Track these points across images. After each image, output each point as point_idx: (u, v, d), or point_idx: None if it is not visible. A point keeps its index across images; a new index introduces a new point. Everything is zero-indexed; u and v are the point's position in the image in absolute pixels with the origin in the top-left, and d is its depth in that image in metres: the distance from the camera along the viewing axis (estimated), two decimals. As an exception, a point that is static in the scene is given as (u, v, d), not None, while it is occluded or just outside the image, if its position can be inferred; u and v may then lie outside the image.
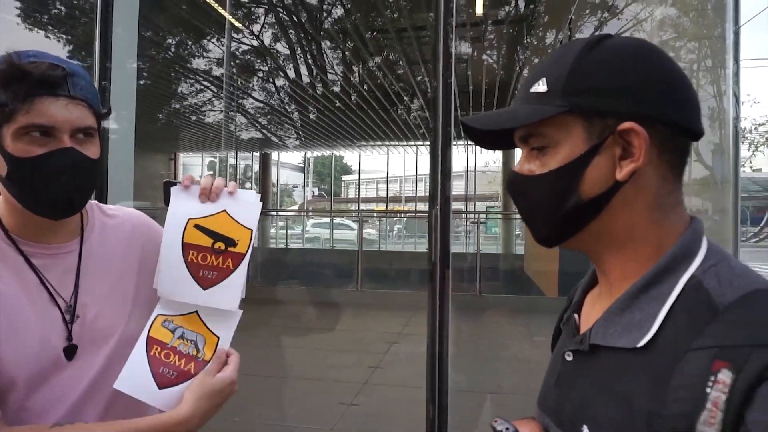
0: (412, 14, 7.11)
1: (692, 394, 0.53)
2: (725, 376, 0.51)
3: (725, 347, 0.53)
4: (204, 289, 0.97)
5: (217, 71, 9.90)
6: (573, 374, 0.69)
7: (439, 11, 1.88)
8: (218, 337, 0.98)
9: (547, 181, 0.65)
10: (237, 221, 0.99)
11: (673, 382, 0.55)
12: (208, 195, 0.99)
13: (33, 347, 0.90)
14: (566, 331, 0.75)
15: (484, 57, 8.81)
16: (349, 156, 23.45)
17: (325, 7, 7.97)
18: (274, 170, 17.12)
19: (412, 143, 15.29)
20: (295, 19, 8.40)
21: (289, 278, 10.43)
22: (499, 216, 12.82)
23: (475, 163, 16.46)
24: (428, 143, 15.95)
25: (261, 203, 1.01)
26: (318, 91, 10.41)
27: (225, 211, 0.99)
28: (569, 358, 0.70)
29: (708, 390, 0.52)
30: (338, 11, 8.09)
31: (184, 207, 0.99)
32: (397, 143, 14.97)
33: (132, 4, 2.25)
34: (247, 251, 0.98)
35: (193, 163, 19.94)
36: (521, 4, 7.65)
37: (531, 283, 9.43)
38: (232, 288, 0.98)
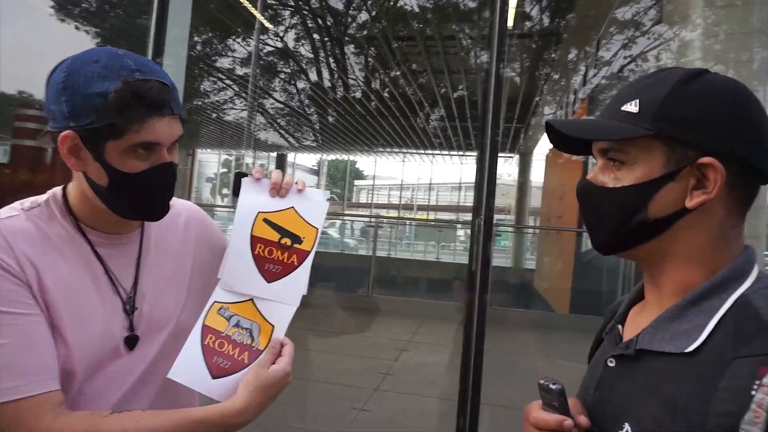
0: (440, 24, 7.14)
1: (738, 396, 0.58)
2: None
3: None
4: (268, 282, 0.98)
5: (240, 71, 10.01)
6: (615, 378, 0.73)
7: (493, 36, 1.91)
8: (273, 326, 0.96)
9: (619, 195, 0.70)
10: (304, 219, 1.00)
11: (720, 385, 0.60)
12: (278, 190, 1.00)
13: (96, 335, 0.92)
14: (609, 340, 0.79)
15: (509, 71, 8.83)
16: (362, 161, 23.52)
17: (351, 12, 8.04)
18: (289, 171, 17.19)
19: (429, 152, 15.36)
20: (321, 23, 8.49)
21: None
22: (511, 229, 12.76)
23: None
24: (445, 152, 16.00)
25: (329, 203, 1.02)
26: (339, 95, 10.47)
27: (293, 207, 1.00)
28: (611, 364, 0.74)
29: (753, 392, 0.57)
30: (363, 17, 8.16)
31: (254, 200, 1.00)
32: (414, 151, 15.01)
33: (185, 4, 2.28)
34: (312, 249, 0.99)
35: (210, 160, 20.09)
36: (546, 20, 7.67)
37: (540, 299, 9.39)
38: (296, 284, 0.98)
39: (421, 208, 21.23)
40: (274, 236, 0.99)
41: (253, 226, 0.99)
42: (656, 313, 0.71)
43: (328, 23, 8.46)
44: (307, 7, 8.31)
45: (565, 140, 0.78)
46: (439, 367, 5.40)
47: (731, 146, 0.66)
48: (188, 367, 0.93)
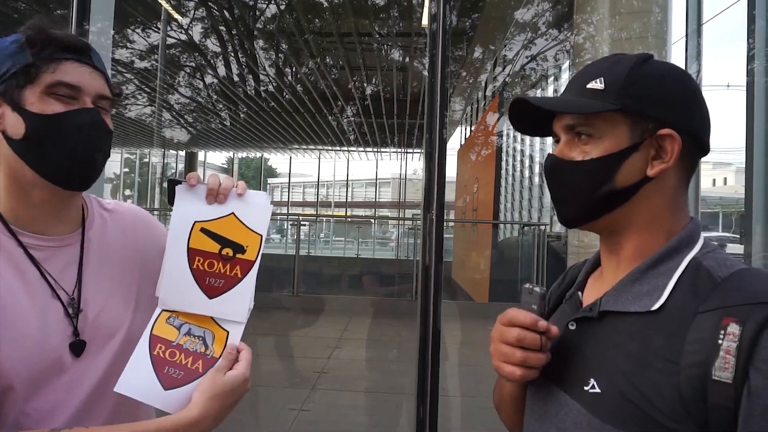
0: (358, 20, 7.15)
1: (706, 346, 0.64)
2: (734, 329, 0.63)
3: (729, 307, 0.65)
4: (210, 299, 0.91)
5: (140, 63, 9.41)
6: (577, 340, 0.78)
7: (438, 35, 1.95)
8: (227, 332, 0.90)
9: (589, 166, 0.75)
10: (246, 225, 0.93)
11: (688, 338, 0.66)
12: (215, 196, 0.92)
13: (30, 343, 0.82)
14: (569, 306, 0.84)
15: (417, 65, 9.03)
16: (276, 159, 23.06)
17: (260, 5, 7.81)
18: (200, 170, 16.48)
19: (345, 148, 15.35)
20: (228, 15, 8.18)
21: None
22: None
23: (406, 171, 16.80)
24: (360, 149, 16.08)
25: (272, 206, 0.96)
26: (250, 90, 10.18)
27: (233, 213, 0.93)
28: (572, 327, 0.79)
29: (720, 341, 0.63)
30: (273, 9, 7.96)
31: (190, 208, 0.92)
32: (330, 148, 14.93)
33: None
34: (256, 258, 0.92)
35: (112, 159, 18.73)
36: (453, 19, 7.93)
37: (459, 289, 9.75)
38: (240, 297, 0.91)
39: (338, 204, 21.19)
40: (213, 247, 0.91)
41: (189, 237, 0.91)
42: (614, 279, 0.78)
43: (236, 15, 8.17)
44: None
45: (526, 121, 0.84)
46: (371, 363, 5.44)
47: (685, 120, 0.74)
48: (137, 378, 0.85)
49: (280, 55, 8.94)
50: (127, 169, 20.05)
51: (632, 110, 0.73)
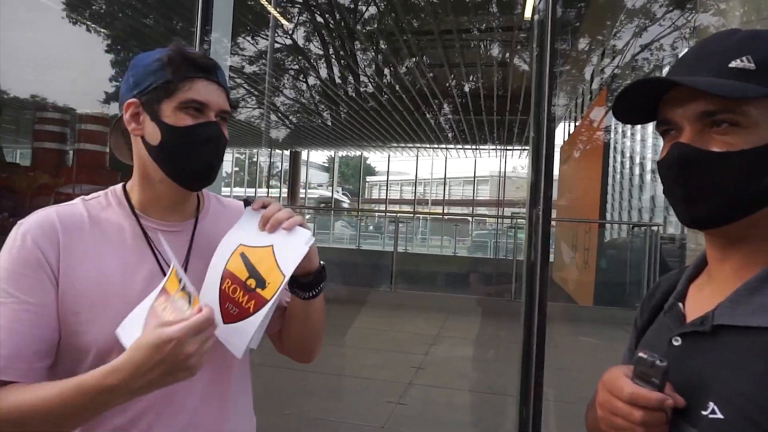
0: (457, 17, 7.09)
1: None
2: None
3: None
4: (224, 323, 0.91)
5: (249, 69, 10.00)
6: (683, 357, 0.69)
7: (546, 28, 1.88)
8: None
9: (739, 160, 0.64)
10: (277, 262, 0.92)
11: None
12: (265, 223, 0.96)
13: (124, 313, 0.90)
14: (671, 318, 0.75)
15: (517, 60, 8.78)
16: (374, 157, 23.48)
17: (360, 7, 7.99)
18: (302, 169, 17.21)
19: (443, 146, 15.29)
20: (329, 19, 8.45)
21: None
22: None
23: (506, 169, 16.37)
24: (458, 146, 15.93)
25: (307, 248, 0.94)
26: (350, 91, 10.45)
27: (272, 246, 0.94)
28: (677, 342, 0.70)
29: None
30: (372, 10, 8.11)
31: (244, 229, 0.97)
32: (428, 146, 14.96)
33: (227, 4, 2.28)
34: (271, 298, 0.89)
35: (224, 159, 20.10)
36: (558, 11, 7.59)
37: (561, 291, 9.35)
38: (243, 333, 0.89)
39: (435, 202, 21.17)
40: (243, 274, 0.92)
41: (229, 258, 0.94)
42: (726, 289, 0.68)
43: (337, 18, 8.43)
44: (315, 2, 8.29)
45: (629, 106, 0.74)
46: (469, 361, 5.39)
47: None
48: (131, 327, 0.87)
49: (379, 55, 9.10)
50: (237, 168, 21.44)
51: None
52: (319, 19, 8.49)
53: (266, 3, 7.23)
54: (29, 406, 0.83)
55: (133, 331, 0.84)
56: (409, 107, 10.23)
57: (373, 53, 9.08)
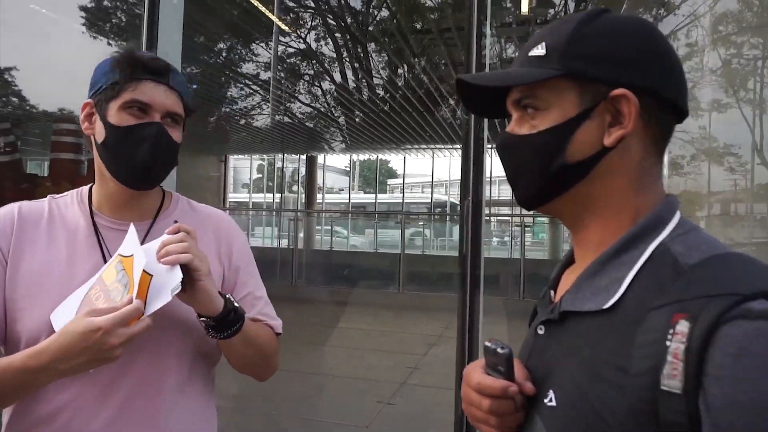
0: (455, 15, 7.05)
1: (654, 349, 0.54)
2: (683, 326, 0.52)
3: (683, 301, 0.54)
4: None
5: (265, 75, 10.15)
6: (544, 346, 0.70)
7: (472, 18, 1.87)
8: (143, 313, 0.87)
9: (537, 140, 0.67)
10: (147, 294, 0.90)
11: (636, 341, 0.56)
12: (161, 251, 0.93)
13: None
14: (541, 306, 0.76)
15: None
16: (396, 160, 23.52)
17: (369, 10, 8.04)
18: (320, 173, 17.34)
19: (458, 146, 15.17)
20: (341, 23, 8.52)
21: (331, 280, 10.55)
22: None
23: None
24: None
25: (170, 297, 0.89)
26: (364, 95, 10.48)
27: (152, 277, 0.91)
28: (541, 331, 0.71)
29: (668, 343, 0.53)
30: (382, 13, 8.16)
31: (151, 247, 0.94)
32: (442, 146, 14.88)
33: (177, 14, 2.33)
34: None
35: (243, 165, 20.45)
36: (571, 5, 7.47)
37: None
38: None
39: (438, 204, 21.03)
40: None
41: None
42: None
43: (349, 22, 8.50)
44: (326, 7, 8.37)
45: (479, 101, 0.76)
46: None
47: (641, 77, 0.64)
48: (64, 312, 0.92)
49: (389, 56, 9.11)
50: (259, 175, 21.74)
51: (577, 73, 0.65)
52: (331, 22, 8.58)
53: (268, 12, 7.32)
54: None
55: (66, 318, 0.89)
56: (418, 107, 10.21)
57: (386, 55, 9.10)
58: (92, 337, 0.81)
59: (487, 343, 0.69)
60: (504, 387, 0.66)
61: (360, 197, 24.44)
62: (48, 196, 1.08)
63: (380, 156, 19.05)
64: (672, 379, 0.52)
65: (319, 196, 17.77)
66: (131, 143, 0.98)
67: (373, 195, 21.53)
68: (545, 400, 0.64)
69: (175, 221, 0.98)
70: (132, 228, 0.98)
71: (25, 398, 0.94)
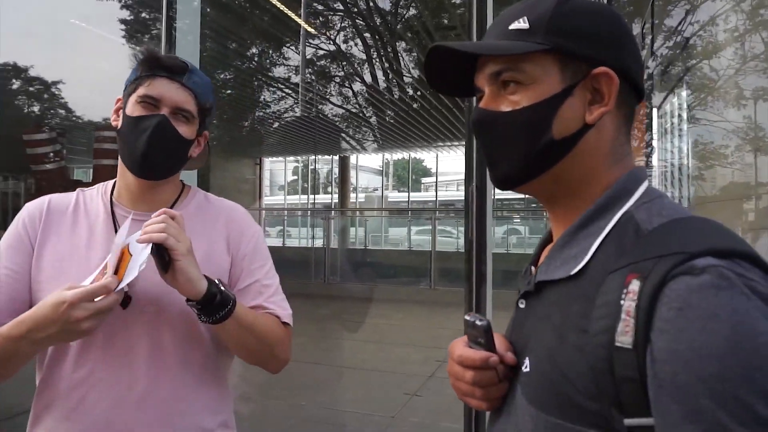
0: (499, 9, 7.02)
1: (610, 309, 0.56)
2: (635, 286, 0.55)
3: (637, 262, 0.56)
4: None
5: (296, 78, 10.32)
6: (524, 317, 0.72)
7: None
8: (118, 284, 0.93)
9: (523, 116, 0.66)
10: (127, 269, 0.96)
11: (596, 302, 0.58)
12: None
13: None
14: (522, 282, 0.77)
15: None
16: (426, 158, 23.46)
17: (396, 9, 8.09)
18: (352, 173, 17.48)
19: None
20: (370, 23, 8.60)
21: (365, 276, 10.64)
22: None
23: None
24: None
25: (136, 271, 0.94)
26: (395, 94, 10.53)
27: (131, 256, 0.97)
28: (522, 305, 0.73)
29: (622, 302, 0.55)
30: (409, 13, 8.19)
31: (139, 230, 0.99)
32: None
33: (193, 28, 2.45)
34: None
35: (278, 168, 20.82)
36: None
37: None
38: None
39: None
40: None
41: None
42: None
43: (378, 22, 8.57)
44: (356, 9, 8.46)
45: (445, 78, 0.75)
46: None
47: (617, 58, 0.66)
48: None
49: (416, 55, 9.14)
50: (294, 177, 22.08)
51: (562, 49, 0.65)
52: (360, 23, 8.68)
53: (296, 16, 7.47)
54: None
55: None
56: (448, 105, 10.19)
57: (416, 53, 9.13)
58: (59, 309, 0.88)
59: (467, 317, 0.71)
60: (484, 358, 0.68)
61: (395, 195, 24.48)
62: (78, 189, 1.17)
63: (413, 154, 19.05)
64: (624, 335, 0.54)
65: (353, 195, 17.91)
66: (136, 132, 1.06)
67: (407, 193, 21.50)
68: (522, 368, 0.67)
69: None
70: (129, 219, 1.05)
71: (16, 369, 1.02)
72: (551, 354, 0.62)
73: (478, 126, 0.71)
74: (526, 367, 0.66)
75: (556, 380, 0.60)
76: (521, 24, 0.67)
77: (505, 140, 0.68)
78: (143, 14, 8.64)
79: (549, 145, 0.66)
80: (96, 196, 1.17)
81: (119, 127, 1.10)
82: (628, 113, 0.69)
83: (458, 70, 0.73)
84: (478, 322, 0.70)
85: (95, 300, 0.90)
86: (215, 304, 0.98)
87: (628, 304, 0.55)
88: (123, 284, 0.94)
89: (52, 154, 6.35)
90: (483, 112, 0.70)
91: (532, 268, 0.77)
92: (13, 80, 9.35)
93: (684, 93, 7.47)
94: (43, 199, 1.15)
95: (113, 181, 1.18)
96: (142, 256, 0.95)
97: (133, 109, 1.07)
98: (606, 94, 0.66)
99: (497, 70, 0.68)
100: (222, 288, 1.00)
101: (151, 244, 0.95)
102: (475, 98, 0.76)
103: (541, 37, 0.66)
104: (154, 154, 1.07)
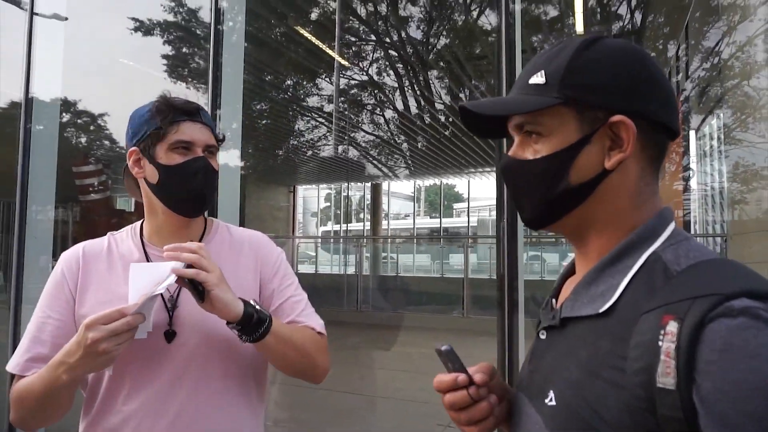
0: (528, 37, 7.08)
1: (647, 349, 0.58)
2: (672, 327, 0.56)
3: (671, 303, 0.58)
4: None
5: (329, 107, 10.56)
6: (544, 349, 0.74)
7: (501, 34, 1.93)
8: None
9: (541, 165, 0.71)
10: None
11: (631, 342, 0.60)
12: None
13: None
14: (543, 314, 0.79)
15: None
16: (457, 184, 23.43)
17: (428, 39, 8.24)
18: (384, 199, 17.59)
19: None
20: (401, 53, 8.77)
21: (396, 304, 10.62)
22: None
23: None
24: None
25: (155, 293, 0.99)
26: (426, 121, 10.64)
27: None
28: (543, 336, 0.75)
29: (660, 343, 0.56)
30: (440, 42, 8.32)
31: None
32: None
33: (237, 61, 2.58)
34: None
35: (311, 195, 21.12)
36: (638, 18, 7.31)
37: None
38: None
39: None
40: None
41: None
42: None
43: (409, 52, 8.73)
44: (388, 40, 8.66)
45: (480, 124, 0.80)
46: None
47: (637, 103, 0.68)
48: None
49: (446, 82, 9.24)
50: (327, 204, 22.34)
51: (578, 101, 0.68)
52: (393, 53, 8.86)
53: (330, 50, 7.69)
54: (25, 385, 1.07)
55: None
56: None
57: (446, 80, 9.24)
58: (80, 334, 0.97)
59: (436, 346, 0.76)
60: (453, 378, 0.73)
61: (425, 222, 24.49)
62: (108, 233, 1.24)
63: (444, 180, 19.08)
64: (666, 377, 0.55)
65: (384, 222, 17.98)
66: (185, 177, 1.13)
67: (438, 219, 21.46)
68: (546, 400, 0.68)
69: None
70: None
71: (61, 405, 1.08)
72: (580, 389, 0.64)
73: (504, 172, 0.77)
74: (551, 400, 0.68)
75: (585, 414, 0.62)
76: (539, 79, 0.71)
77: (527, 186, 0.73)
78: (183, 48, 9.02)
79: (567, 191, 0.70)
80: (126, 238, 1.22)
81: (155, 178, 1.14)
82: (655, 154, 0.71)
83: (492, 117, 0.78)
84: (442, 348, 0.75)
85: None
86: (254, 322, 1.04)
87: (667, 345, 0.56)
88: (137, 305, 0.99)
89: (97, 184, 6.63)
90: (510, 159, 0.75)
91: (554, 301, 0.80)
92: (63, 113, 9.87)
93: (722, 114, 7.30)
94: (77, 248, 1.21)
95: (139, 223, 1.24)
96: (160, 286, 1.01)
97: (168, 157, 1.13)
98: (625, 140, 0.67)
99: (520, 123, 0.73)
100: (257, 307, 1.06)
101: (173, 276, 1.01)
102: (505, 142, 0.80)
103: (556, 92, 0.69)
104: (204, 194, 1.15)
